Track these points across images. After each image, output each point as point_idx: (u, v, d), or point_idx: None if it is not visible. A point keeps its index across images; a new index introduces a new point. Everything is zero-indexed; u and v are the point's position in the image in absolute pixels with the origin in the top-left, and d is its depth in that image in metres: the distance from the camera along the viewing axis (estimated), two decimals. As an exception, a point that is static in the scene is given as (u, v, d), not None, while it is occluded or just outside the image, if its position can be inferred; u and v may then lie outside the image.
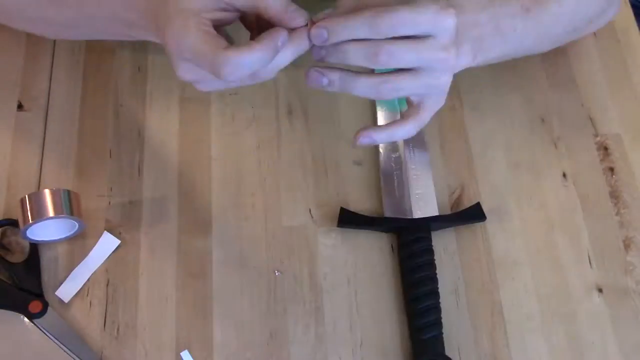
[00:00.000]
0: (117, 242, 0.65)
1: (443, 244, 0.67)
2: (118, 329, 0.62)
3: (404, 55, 0.51)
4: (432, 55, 0.52)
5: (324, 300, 0.64)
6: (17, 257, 0.64)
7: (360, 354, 0.62)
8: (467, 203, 0.69)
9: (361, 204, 0.68)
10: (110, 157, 0.69)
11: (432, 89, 0.55)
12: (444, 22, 0.51)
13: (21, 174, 0.68)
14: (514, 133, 0.73)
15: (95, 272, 0.64)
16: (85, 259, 0.64)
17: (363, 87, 0.53)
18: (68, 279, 0.63)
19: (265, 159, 0.70)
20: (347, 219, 0.66)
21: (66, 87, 0.72)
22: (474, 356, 0.62)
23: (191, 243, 0.66)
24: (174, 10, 0.50)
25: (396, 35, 0.50)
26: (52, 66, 0.73)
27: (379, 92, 0.53)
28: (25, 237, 0.62)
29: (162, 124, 0.71)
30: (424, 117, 0.56)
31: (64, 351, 0.60)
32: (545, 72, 0.76)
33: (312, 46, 0.52)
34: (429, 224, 0.66)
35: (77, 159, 0.69)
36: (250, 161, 0.70)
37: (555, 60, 0.76)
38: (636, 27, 0.79)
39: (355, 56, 0.51)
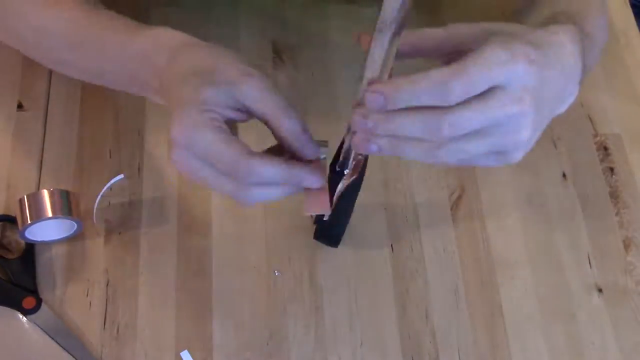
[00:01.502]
0: None
1: (443, 243, 0.67)
2: (118, 329, 0.62)
3: (469, 122, 0.42)
4: (501, 112, 0.43)
5: (323, 300, 0.64)
6: (13, 254, 0.64)
7: (360, 354, 0.62)
8: (467, 203, 0.69)
9: (362, 204, 0.68)
10: (110, 157, 0.69)
11: (509, 147, 0.45)
12: (514, 70, 0.42)
13: (21, 174, 0.68)
14: (514, 133, 0.73)
15: (95, 272, 0.64)
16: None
17: (416, 152, 0.44)
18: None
19: (265, 159, 0.70)
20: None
21: (66, 88, 0.72)
22: (473, 356, 0.62)
23: (191, 243, 0.66)
24: (187, 96, 0.47)
25: (469, 97, 0.42)
26: (52, 66, 0.73)
27: (435, 157, 0.44)
28: (24, 238, 0.62)
29: (162, 124, 0.71)
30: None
31: (60, 348, 0.60)
32: (545, 72, 0.76)
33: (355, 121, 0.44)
34: None
35: (76, 159, 0.69)
36: (250, 161, 0.70)
37: (555, 61, 0.76)
38: (636, 27, 0.79)
39: (412, 130, 0.43)
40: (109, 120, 0.71)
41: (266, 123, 0.49)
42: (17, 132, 0.70)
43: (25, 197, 0.61)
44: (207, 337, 0.62)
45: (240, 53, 0.50)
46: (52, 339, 0.60)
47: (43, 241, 0.64)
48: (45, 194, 0.61)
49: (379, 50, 0.41)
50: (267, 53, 0.75)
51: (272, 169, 0.45)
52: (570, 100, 0.50)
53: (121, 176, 0.66)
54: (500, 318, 0.64)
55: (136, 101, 0.72)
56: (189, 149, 0.46)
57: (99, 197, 0.65)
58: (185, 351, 0.61)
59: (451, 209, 0.69)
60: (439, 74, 0.41)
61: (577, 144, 0.72)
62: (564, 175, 0.71)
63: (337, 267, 0.66)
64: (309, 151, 0.48)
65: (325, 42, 0.76)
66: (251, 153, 0.45)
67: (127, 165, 0.69)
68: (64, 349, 0.60)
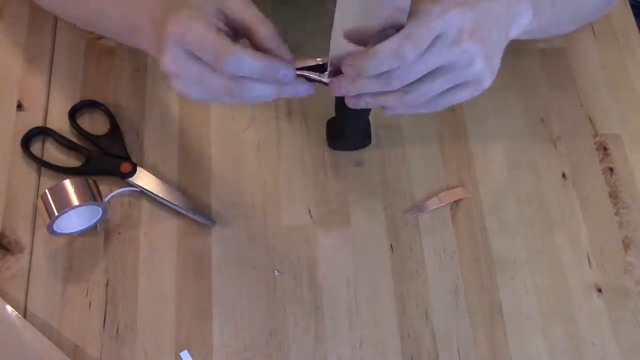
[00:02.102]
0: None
1: (442, 243, 0.67)
2: (117, 329, 0.62)
3: (416, 67, 0.50)
4: (444, 54, 0.51)
5: (323, 300, 0.64)
6: (99, 131, 0.69)
7: (360, 354, 0.62)
8: (466, 203, 0.69)
9: (362, 204, 0.68)
10: (110, 157, 0.69)
11: (472, 77, 0.53)
12: (446, 19, 0.50)
13: (21, 174, 0.68)
14: (514, 133, 0.73)
15: (94, 272, 0.64)
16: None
17: (391, 100, 0.53)
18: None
19: (265, 159, 0.70)
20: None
21: (65, 87, 0.72)
22: (473, 356, 0.62)
23: (191, 243, 0.66)
24: (185, 3, 0.51)
25: (422, 53, 0.50)
26: (51, 66, 0.73)
27: (406, 103, 0.53)
28: (53, 232, 0.62)
29: (162, 124, 0.71)
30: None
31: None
32: (545, 72, 0.76)
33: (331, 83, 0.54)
34: None
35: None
36: (250, 161, 0.70)
37: (555, 61, 0.77)
38: (636, 28, 0.79)
39: (373, 87, 0.52)
40: (108, 119, 0.71)
41: (245, 32, 0.53)
42: (17, 132, 0.70)
43: (47, 191, 0.61)
44: (207, 337, 0.62)
45: None
46: (154, 195, 0.66)
47: (70, 233, 0.64)
48: (68, 183, 0.61)
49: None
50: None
51: (252, 59, 0.50)
52: (523, 21, 0.56)
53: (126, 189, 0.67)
54: (500, 318, 0.64)
55: (136, 101, 0.72)
56: (181, 45, 0.50)
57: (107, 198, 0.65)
58: (185, 351, 0.61)
59: (451, 209, 0.69)
60: (390, 45, 0.49)
61: (576, 144, 0.72)
62: (563, 175, 0.71)
63: (336, 267, 0.66)
64: (282, 50, 0.52)
65: (325, 42, 0.76)
66: (234, 44, 0.50)
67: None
68: (166, 202, 0.66)
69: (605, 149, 0.72)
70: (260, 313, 0.63)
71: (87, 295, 0.63)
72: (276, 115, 0.72)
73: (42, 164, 0.68)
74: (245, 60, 0.49)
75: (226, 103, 0.60)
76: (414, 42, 0.49)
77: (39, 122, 0.70)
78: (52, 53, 0.74)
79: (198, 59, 0.50)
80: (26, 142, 0.69)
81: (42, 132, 0.69)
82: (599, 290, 0.66)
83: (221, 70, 0.50)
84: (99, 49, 0.74)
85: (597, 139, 0.73)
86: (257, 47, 0.53)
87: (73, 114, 0.70)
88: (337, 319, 0.64)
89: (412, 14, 0.50)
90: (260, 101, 0.53)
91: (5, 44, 0.74)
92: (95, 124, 0.70)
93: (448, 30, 0.50)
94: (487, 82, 0.55)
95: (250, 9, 0.53)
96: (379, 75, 0.51)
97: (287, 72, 0.51)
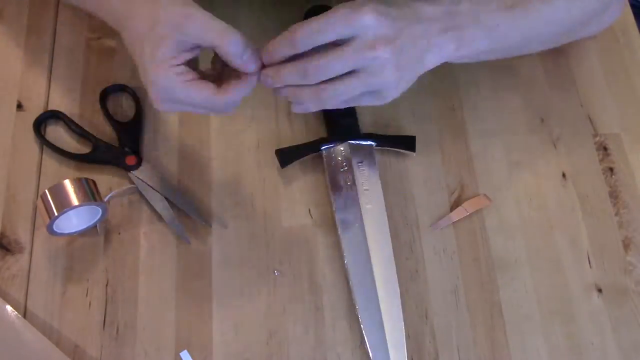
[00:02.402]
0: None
1: (442, 244, 0.67)
2: (117, 329, 0.62)
3: (330, 63, 0.52)
4: (358, 56, 0.52)
5: (323, 300, 0.64)
6: (123, 118, 0.71)
7: (360, 354, 0.62)
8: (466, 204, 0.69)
9: (361, 204, 0.68)
10: (110, 157, 0.70)
11: (379, 86, 0.54)
12: (360, 21, 0.52)
13: (21, 174, 0.68)
14: (514, 133, 0.73)
15: (94, 272, 0.64)
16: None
17: (307, 96, 0.54)
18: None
19: (265, 159, 0.70)
20: (286, 156, 0.68)
21: (65, 87, 0.72)
22: (473, 356, 0.62)
23: (191, 243, 0.66)
24: (150, 61, 0.53)
25: (317, 44, 0.52)
26: (51, 66, 0.73)
27: (321, 100, 0.55)
28: (52, 232, 0.62)
29: (162, 124, 0.71)
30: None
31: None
32: (545, 72, 0.76)
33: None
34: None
35: (75, 159, 0.69)
36: (250, 161, 0.70)
37: (555, 61, 0.77)
38: (636, 28, 0.79)
39: (293, 79, 0.54)
40: (108, 119, 0.71)
41: (215, 50, 0.54)
42: (17, 131, 0.70)
43: (46, 191, 0.61)
44: (207, 337, 0.62)
45: None
46: (156, 191, 0.67)
47: (70, 233, 0.64)
48: (67, 183, 0.61)
49: None
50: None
51: (238, 92, 0.55)
52: (443, 53, 0.56)
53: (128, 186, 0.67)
54: (500, 318, 0.64)
55: (135, 100, 0.72)
56: (169, 102, 0.54)
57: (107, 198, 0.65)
58: (185, 351, 0.61)
59: (451, 209, 0.69)
60: (287, 32, 0.52)
61: (576, 144, 0.72)
62: (563, 175, 0.71)
63: (336, 267, 0.66)
64: (251, 65, 0.54)
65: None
66: (217, 89, 0.54)
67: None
68: (168, 200, 0.66)
69: (605, 148, 0.72)
70: (260, 313, 0.63)
71: (87, 295, 0.63)
72: (275, 116, 0.72)
73: (49, 147, 0.68)
74: (235, 98, 0.55)
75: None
76: (306, 31, 0.52)
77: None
78: (52, 53, 0.74)
79: (189, 104, 0.55)
80: (38, 125, 0.69)
81: (54, 116, 0.70)
82: (599, 290, 0.66)
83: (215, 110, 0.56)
84: (98, 49, 0.74)
85: (597, 138, 0.73)
86: (227, 61, 0.54)
87: (105, 97, 0.72)
88: (336, 319, 0.64)
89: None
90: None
91: (5, 44, 0.74)
92: (120, 110, 0.72)
93: (363, 33, 0.52)
94: (391, 96, 0.56)
95: (212, 29, 0.53)
96: (298, 68, 0.53)
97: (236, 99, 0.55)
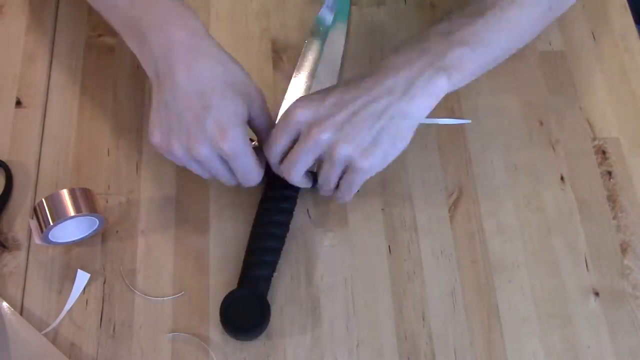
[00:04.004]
0: (87, 276, 0.64)
1: (440, 245, 0.67)
2: (114, 328, 0.62)
3: (295, 162, 0.59)
4: (308, 146, 0.58)
5: (320, 300, 0.64)
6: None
7: (357, 355, 0.62)
8: (465, 205, 0.69)
9: (360, 205, 0.68)
10: (108, 155, 0.69)
11: (344, 164, 0.59)
12: (292, 120, 0.59)
13: (19, 171, 0.68)
14: (512, 136, 0.73)
15: (91, 270, 0.64)
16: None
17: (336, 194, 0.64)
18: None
19: (263, 158, 0.70)
20: None
21: (65, 85, 0.72)
22: (469, 358, 0.62)
23: (189, 242, 0.66)
24: (225, 109, 0.58)
25: (283, 149, 0.60)
26: (51, 63, 0.73)
27: (342, 198, 0.63)
28: (47, 241, 0.62)
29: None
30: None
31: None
32: (544, 75, 0.76)
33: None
34: None
35: (75, 156, 0.69)
36: (248, 161, 0.70)
37: (554, 64, 0.77)
38: (635, 32, 0.79)
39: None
40: (107, 118, 0.71)
41: (255, 130, 0.64)
42: (16, 128, 0.70)
43: (43, 200, 0.60)
44: (204, 336, 0.62)
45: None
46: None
47: (66, 242, 0.64)
48: (65, 193, 0.61)
49: None
50: (267, 53, 0.75)
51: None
52: (438, 91, 0.59)
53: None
54: (497, 320, 0.64)
55: (135, 99, 0.72)
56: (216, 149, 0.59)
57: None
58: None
59: (449, 211, 0.69)
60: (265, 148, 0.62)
61: (575, 148, 0.73)
62: (562, 178, 0.71)
63: (334, 268, 0.66)
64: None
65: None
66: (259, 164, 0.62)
67: (126, 163, 0.69)
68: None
69: (603, 152, 0.72)
70: (257, 313, 0.63)
71: (84, 293, 0.63)
72: (275, 115, 0.72)
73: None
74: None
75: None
76: (271, 146, 0.60)
77: (38, 119, 0.70)
78: (52, 50, 0.74)
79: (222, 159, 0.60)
80: None
81: None
82: (596, 294, 0.66)
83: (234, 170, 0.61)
84: (98, 46, 0.74)
85: (596, 142, 0.73)
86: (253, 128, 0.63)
87: None
88: (334, 319, 0.64)
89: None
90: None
91: (5, 41, 0.74)
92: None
93: (300, 127, 0.58)
94: (368, 164, 0.58)
95: (267, 117, 0.63)
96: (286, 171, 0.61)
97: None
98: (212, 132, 0.57)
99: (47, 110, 0.71)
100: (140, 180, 0.68)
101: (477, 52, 0.60)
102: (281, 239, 0.65)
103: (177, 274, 0.65)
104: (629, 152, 0.72)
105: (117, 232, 0.66)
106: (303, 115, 0.58)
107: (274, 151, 0.60)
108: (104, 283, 0.64)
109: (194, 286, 0.64)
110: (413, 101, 0.58)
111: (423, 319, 0.64)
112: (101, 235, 0.65)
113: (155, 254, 0.65)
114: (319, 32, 0.75)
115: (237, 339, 0.61)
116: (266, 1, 0.78)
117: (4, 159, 0.68)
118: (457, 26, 0.60)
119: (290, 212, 0.66)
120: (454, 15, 0.62)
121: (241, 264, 0.64)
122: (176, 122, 0.57)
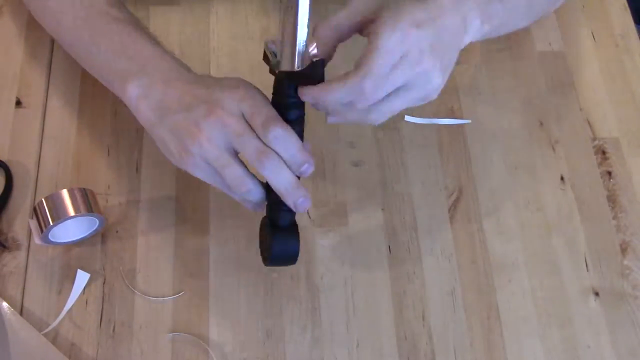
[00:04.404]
0: (87, 276, 0.64)
1: (440, 245, 0.67)
2: (114, 328, 0.62)
3: (380, 91, 0.53)
4: (407, 77, 0.53)
5: (320, 300, 0.64)
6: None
7: (357, 355, 0.62)
8: (465, 205, 0.69)
9: (360, 204, 0.68)
10: (108, 155, 0.69)
11: (426, 94, 0.56)
12: (408, 43, 0.52)
13: (19, 171, 0.68)
14: (512, 136, 0.73)
15: (91, 270, 0.64)
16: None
17: (355, 117, 0.55)
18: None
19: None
20: None
21: (65, 85, 0.72)
22: (469, 358, 0.62)
23: (188, 242, 0.66)
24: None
25: (388, 90, 0.53)
26: (50, 63, 0.73)
27: (369, 119, 0.56)
28: (47, 241, 0.62)
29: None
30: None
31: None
32: (544, 75, 0.76)
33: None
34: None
35: (74, 156, 0.69)
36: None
37: (554, 64, 0.77)
38: (635, 32, 0.79)
39: (339, 106, 0.54)
40: (107, 118, 0.71)
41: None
42: (16, 128, 0.70)
43: (43, 200, 0.60)
44: (204, 336, 0.62)
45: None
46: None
47: (66, 242, 0.64)
48: (65, 193, 0.60)
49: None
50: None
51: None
52: (473, 29, 0.58)
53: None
54: (497, 320, 0.64)
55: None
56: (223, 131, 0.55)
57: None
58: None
59: (449, 211, 0.69)
60: (351, 79, 0.52)
61: (575, 148, 0.73)
62: (562, 178, 0.71)
63: (334, 268, 0.66)
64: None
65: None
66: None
67: (126, 163, 0.69)
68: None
69: (603, 152, 0.72)
70: (258, 313, 0.63)
71: (84, 293, 0.63)
72: (275, 115, 0.72)
73: None
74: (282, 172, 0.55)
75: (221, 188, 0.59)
76: (374, 80, 0.52)
77: (38, 119, 0.70)
78: (52, 50, 0.74)
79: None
80: None
81: None
82: (596, 294, 0.66)
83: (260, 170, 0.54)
84: (98, 46, 0.74)
85: (596, 142, 0.73)
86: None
87: None
88: (334, 319, 0.64)
89: (373, 36, 0.52)
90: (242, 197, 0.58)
91: (4, 41, 0.74)
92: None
93: (410, 51, 0.52)
94: (436, 95, 0.57)
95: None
96: (353, 88, 0.52)
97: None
98: (223, 89, 0.55)
99: (47, 110, 0.71)
100: (140, 180, 0.68)
101: (507, 10, 0.60)
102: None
103: (177, 274, 0.65)
104: (628, 152, 0.72)
105: (117, 232, 0.66)
106: (419, 38, 0.53)
107: (359, 94, 0.53)
108: (104, 283, 0.64)
109: (194, 286, 0.64)
110: (465, 36, 0.58)
111: (423, 319, 0.64)
112: (101, 235, 0.65)
113: (155, 254, 0.65)
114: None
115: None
116: (266, 1, 0.78)
117: (4, 159, 0.68)
118: None
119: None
120: None
121: (243, 263, 0.64)
122: (185, 117, 0.55)
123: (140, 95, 0.57)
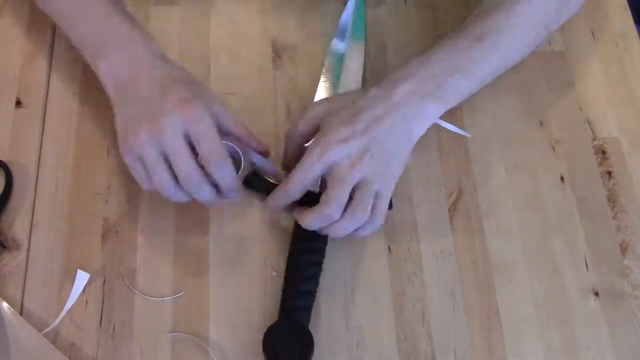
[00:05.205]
0: (87, 276, 0.64)
1: (440, 245, 0.67)
2: (114, 328, 0.62)
3: (331, 203, 0.58)
4: (344, 184, 0.58)
5: (320, 300, 0.64)
6: None
7: (357, 355, 0.62)
8: (465, 205, 0.69)
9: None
10: (108, 155, 0.69)
11: (379, 191, 0.60)
12: (330, 157, 0.58)
13: (19, 171, 0.68)
14: (512, 136, 0.73)
15: (91, 270, 0.64)
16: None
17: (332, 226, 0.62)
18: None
19: (263, 158, 0.70)
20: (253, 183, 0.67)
21: (64, 84, 0.72)
22: (469, 358, 0.62)
23: (188, 242, 0.66)
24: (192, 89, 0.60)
25: (307, 188, 0.60)
26: (50, 63, 0.73)
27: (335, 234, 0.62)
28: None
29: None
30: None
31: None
32: (544, 75, 0.76)
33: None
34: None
35: (74, 156, 0.69)
36: (248, 161, 0.70)
37: (554, 64, 0.77)
38: (635, 32, 0.79)
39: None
40: (107, 117, 0.71)
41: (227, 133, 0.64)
42: (15, 128, 0.70)
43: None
44: (204, 336, 0.62)
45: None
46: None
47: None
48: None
49: None
50: (267, 53, 0.75)
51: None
52: (430, 114, 0.61)
53: None
54: (497, 320, 0.64)
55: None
56: (182, 128, 0.58)
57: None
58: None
59: (449, 211, 0.69)
60: (280, 187, 0.61)
61: (575, 148, 0.73)
62: (562, 178, 0.71)
63: (333, 268, 0.66)
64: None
65: (324, 41, 0.76)
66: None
67: (125, 163, 0.69)
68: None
69: (603, 152, 0.72)
70: (258, 313, 0.63)
71: (84, 293, 0.63)
72: (274, 116, 0.72)
73: None
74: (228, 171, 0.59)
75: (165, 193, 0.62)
76: (293, 186, 0.60)
77: (38, 119, 0.70)
78: (52, 50, 0.74)
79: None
80: None
81: None
82: (596, 294, 0.66)
83: (210, 171, 0.59)
84: (98, 46, 0.74)
85: (596, 142, 0.73)
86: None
87: None
88: (333, 319, 0.64)
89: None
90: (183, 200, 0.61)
91: (5, 41, 0.74)
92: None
93: (339, 161, 0.58)
94: (391, 190, 0.61)
95: (240, 127, 0.64)
96: (319, 215, 0.59)
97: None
98: (173, 103, 0.57)
99: (47, 110, 0.71)
100: (140, 180, 0.68)
101: (473, 76, 0.63)
102: (320, 266, 0.64)
103: (177, 274, 0.65)
104: (628, 152, 0.72)
105: (117, 232, 0.66)
106: (340, 152, 0.58)
107: (295, 191, 0.60)
108: (104, 283, 0.64)
109: (194, 286, 0.64)
110: (417, 128, 0.62)
111: (423, 319, 0.64)
112: (101, 235, 0.66)
113: (155, 254, 0.65)
114: (333, 65, 0.73)
115: None
116: (266, 1, 0.78)
117: (4, 159, 0.68)
118: (456, 52, 0.62)
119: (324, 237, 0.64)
120: (453, 38, 0.63)
121: (243, 263, 0.64)
122: (138, 112, 0.59)
123: (107, 72, 0.62)
